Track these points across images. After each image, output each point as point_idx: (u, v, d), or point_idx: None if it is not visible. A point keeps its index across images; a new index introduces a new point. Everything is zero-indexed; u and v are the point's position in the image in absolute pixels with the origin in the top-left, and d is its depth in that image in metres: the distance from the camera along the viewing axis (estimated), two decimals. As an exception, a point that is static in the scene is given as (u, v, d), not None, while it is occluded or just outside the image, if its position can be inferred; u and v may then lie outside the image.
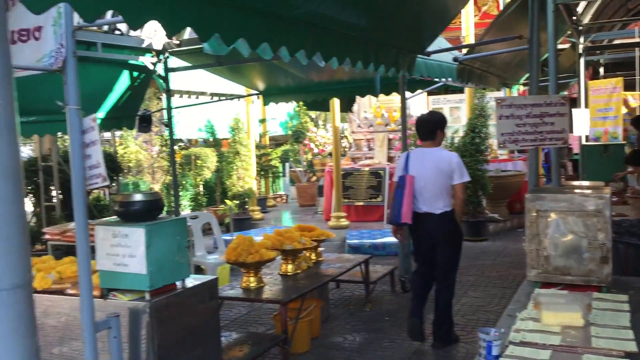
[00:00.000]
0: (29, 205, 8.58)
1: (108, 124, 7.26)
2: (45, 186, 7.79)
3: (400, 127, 11.40)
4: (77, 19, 3.02)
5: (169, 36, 2.12)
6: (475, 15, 12.84)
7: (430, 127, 4.75)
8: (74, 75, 3.08)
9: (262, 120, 13.74)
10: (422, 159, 4.72)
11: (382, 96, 8.61)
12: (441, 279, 4.80)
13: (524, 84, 10.50)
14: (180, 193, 10.63)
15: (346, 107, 10.50)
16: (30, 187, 8.17)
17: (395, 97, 11.26)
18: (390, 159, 12.03)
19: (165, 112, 9.30)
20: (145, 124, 7.89)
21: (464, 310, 5.74)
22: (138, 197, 3.42)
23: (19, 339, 1.01)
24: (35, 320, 1.05)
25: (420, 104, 13.73)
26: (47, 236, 5.61)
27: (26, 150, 9.97)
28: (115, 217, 3.58)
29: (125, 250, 3.29)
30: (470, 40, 11.08)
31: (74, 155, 3.04)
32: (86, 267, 2.99)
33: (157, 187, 11.49)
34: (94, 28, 5.81)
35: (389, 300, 6.23)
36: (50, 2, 1.89)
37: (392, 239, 8.37)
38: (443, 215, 4.65)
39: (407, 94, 7.23)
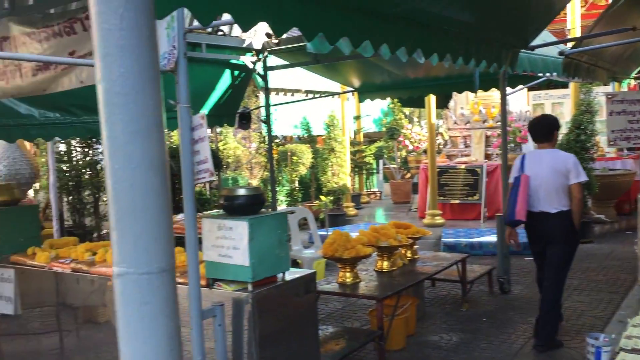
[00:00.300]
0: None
1: (210, 121, 7.54)
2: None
3: (498, 123, 11.08)
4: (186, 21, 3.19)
5: (277, 36, 2.20)
6: (582, 7, 12.21)
7: (547, 129, 4.85)
8: (185, 75, 3.25)
9: (357, 117, 13.79)
10: (539, 159, 4.77)
11: (480, 92, 8.39)
12: (551, 277, 4.72)
13: (636, 78, 9.88)
14: (277, 188, 10.89)
15: (442, 104, 10.35)
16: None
17: (493, 93, 10.97)
18: (487, 157, 11.70)
19: (263, 110, 9.59)
20: (244, 121, 8.17)
21: (568, 314, 5.50)
22: (242, 191, 3.56)
23: (165, 319, 1.09)
24: (177, 303, 1.14)
25: (520, 99, 13.23)
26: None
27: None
28: (221, 210, 3.73)
29: (229, 242, 3.43)
30: (577, 33, 10.54)
31: (184, 150, 3.20)
32: (194, 258, 3.16)
33: (254, 183, 11.83)
34: (199, 30, 6.08)
35: (486, 301, 6.09)
36: (172, 7, 2.01)
37: (490, 239, 8.16)
38: (559, 215, 4.65)
39: (508, 89, 7.02)
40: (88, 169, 7.73)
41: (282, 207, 11.08)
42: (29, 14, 4.12)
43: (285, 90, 11.75)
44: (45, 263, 4.29)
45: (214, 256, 3.49)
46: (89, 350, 4.16)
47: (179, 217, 5.97)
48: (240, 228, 3.38)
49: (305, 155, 11.86)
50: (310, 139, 12.19)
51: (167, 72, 3.29)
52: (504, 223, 5.50)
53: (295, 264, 6.74)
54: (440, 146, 13.35)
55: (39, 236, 4.90)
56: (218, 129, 11.71)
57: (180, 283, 3.67)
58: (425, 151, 12.79)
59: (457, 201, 10.89)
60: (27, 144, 7.74)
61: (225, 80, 7.49)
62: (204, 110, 7.26)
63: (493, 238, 7.78)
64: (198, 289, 3.14)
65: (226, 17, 4.33)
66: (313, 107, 11.78)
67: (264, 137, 10.61)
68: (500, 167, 8.05)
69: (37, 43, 3.89)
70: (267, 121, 7.65)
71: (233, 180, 11.60)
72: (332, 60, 7.18)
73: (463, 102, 13.17)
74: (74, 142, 7.89)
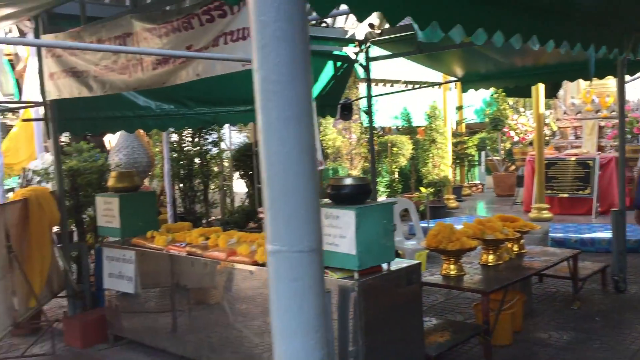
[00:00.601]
0: (243, 187, 9.46)
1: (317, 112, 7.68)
2: (257, 170, 8.53)
3: (613, 113, 10.44)
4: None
5: (391, 25, 2.18)
6: None
7: None
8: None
9: (459, 108, 13.47)
10: None
11: (593, 80, 7.93)
12: None
13: None
14: (377, 179, 10.90)
15: (551, 93, 9.87)
16: (244, 171, 8.99)
17: (608, 81, 10.31)
18: (600, 148, 11.06)
19: (364, 101, 9.60)
20: (346, 111, 8.23)
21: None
22: (349, 181, 3.61)
23: (314, 297, 1.15)
24: (324, 283, 1.19)
25: (637, 88, 12.37)
26: (261, 215, 6.15)
27: (241, 137, 10.98)
28: (327, 199, 3.80)
29: (336, 231, 3.49)
30: None
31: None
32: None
33: (354, 174, 11.90)
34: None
35: (599, 300, 5.78)
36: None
37: (603, 235, 7.73)
38: None
39: (626, 77, 6.58)
40: (198, 159, 8.11)
41: (381, 198, 11.07)
42: (149, 11, 4.37)
43: (384, 81, 11.68)
44: (162, 246, 4.56)
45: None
46: (200, 330, 4.38)
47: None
48: (347, 217, 3.43)
49: (406, 146, 11.75)
50: (410, 130, 12.06)
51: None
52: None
53: (397, 254, 6.72)
54: (548, 137, 12.77)
55: (157, 221, 5.21)
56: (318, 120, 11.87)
57: (288, 269, 3.79)
58: (531, 143, 12.29)
59: (566, 195, 10.39)
60: (143, 134, 8.23)
61: (328, 71, 7.58)
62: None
63: (606, 234, 7.36)
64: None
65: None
66: (413, 97, 11.63)
67: (365, 128, 10.62)
68: (616, 160, 7.59)
69: (157, 38, 4.13)
70: (369, 112, 7.66)
71: (333, 171, 11.73)
72: (436, 50, 7.05)
73: (574, 90, 12.50)
74: (185, 133, 8.30)
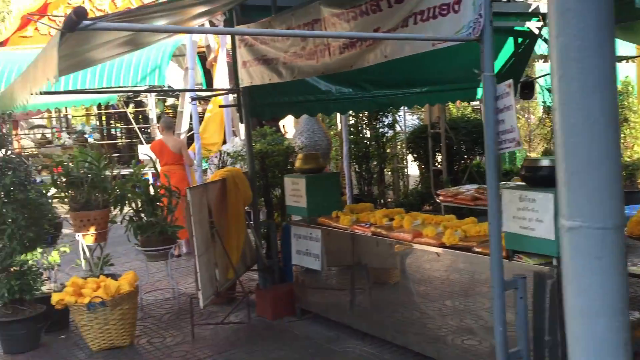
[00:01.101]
0: (416, 170, 9.41)
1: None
2: (432, 152, 8.43)
3: None
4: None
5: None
6: None
7: None
8: (490, 44, 3.21)
9: (656, 83, 12.10)
10: None
11: None
12: None
13: None
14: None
15: None
16: (418, 153, 8.93)
17: None
18: None
19: (543, 80, 9.01)
20: (527, 90, 7.79)
21: None
22: (545, 162, 3.42)
23: (617, 276, 1.12)
24: (626, 262, 1.15)
25: None
26: (440, 197, 6.07)
27: (414, 120, 10.92)
28: (520, 181, 3.64)
29: (532, 214, 3.33)
30: None
31: (488, 120, 3.17)
32: (497, 229, 3.12)
33: (532, 156, 11.27)
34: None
35: None
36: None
37: None
38: None
39: None
40: (374, 142, 8.22)
41: (564, 182, 10.34)
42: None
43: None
44: (347, 226, 4.69)
45: (514, 227, 3.42)
46: (383, 309, 4.45)
47: (464, 188, 5.99)
48: (544, 200, 3.25)
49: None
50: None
51: (472, 41, 3.28)
52: None
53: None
54: None
55: (340, 201, 5.38)
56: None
57: (477, 253, 3.70)
58: None
59: None
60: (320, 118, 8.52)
61: (508, 48, 7.23)
62: (510, 80, 7.11)
63: None
64: (500, 260, 3.11)
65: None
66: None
67: (548, 107, 9.99)
68: None
69: (345, 23, 4.21)
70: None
71: (509, 154, 11.21)
72: (630, 20, 6.37)
73: None
74: (360, 116, 8.45)
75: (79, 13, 2.10)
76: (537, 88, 9.90)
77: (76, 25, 2.13)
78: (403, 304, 4.29)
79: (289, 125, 11.71)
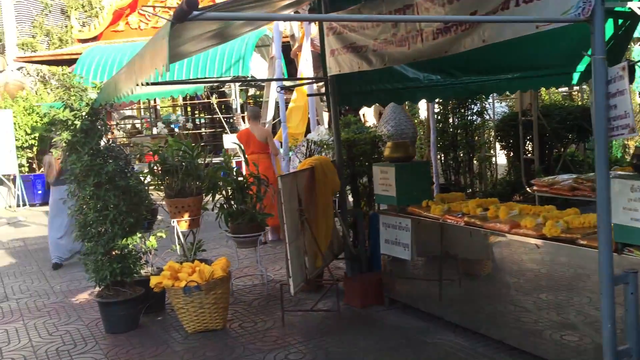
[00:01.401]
0: (504, 159, 9.12)
1: (588, 77, 7.03)
2: (523, 140, 8.13)
3: None
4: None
5: None
6: None
7: None
8: (601, 25, 3.03)
9: None
10: None
11: None
12: None
13: None
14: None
15: None
16: (507, 142, 8.65)
17: None
18: None
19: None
20: (628, 74, 7.35)
21: None
22: (661, 150, 3.20)
23: None
24: None
25: None
26: (535, 187, 5.85)
27: (503, 107, 10.56)
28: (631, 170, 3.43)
29: (644, 205, 3.13)
30: None
31: (598, 105, 3.00)
32: (606, 220, 2.96)
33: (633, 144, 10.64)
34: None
35: None
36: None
37: None
38: None
39: None
40: (462, 129, 8.02)
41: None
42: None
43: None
44: (439, 215, 4.60)
45: (624, 219, 3.23)
46: (475, 301, 4.34)
47: (561, 178, 5.74)
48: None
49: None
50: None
51: (581, 22, 3.11)
52: None
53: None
54: None
55: (430, 190, 5.29)
56: (584, 86, 10.83)
57: (582, 245, 3.52)
58: None
59: None
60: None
61: (608, 30, 6.83)
62: (582, 65, 6.77)
63: None
64: (610, 254, 2.95)
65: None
66: None
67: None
68: None
69: (439, 7, 4.10)
70: (657, 73, 6.72)
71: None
72: None
73: None
74: (447, 104, 8.26)
75: (191, 3, 2.14)
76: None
77: (187, 15, 2.18)
78: (497, 297, 4.16)
79: (369, 114, 11.64)
